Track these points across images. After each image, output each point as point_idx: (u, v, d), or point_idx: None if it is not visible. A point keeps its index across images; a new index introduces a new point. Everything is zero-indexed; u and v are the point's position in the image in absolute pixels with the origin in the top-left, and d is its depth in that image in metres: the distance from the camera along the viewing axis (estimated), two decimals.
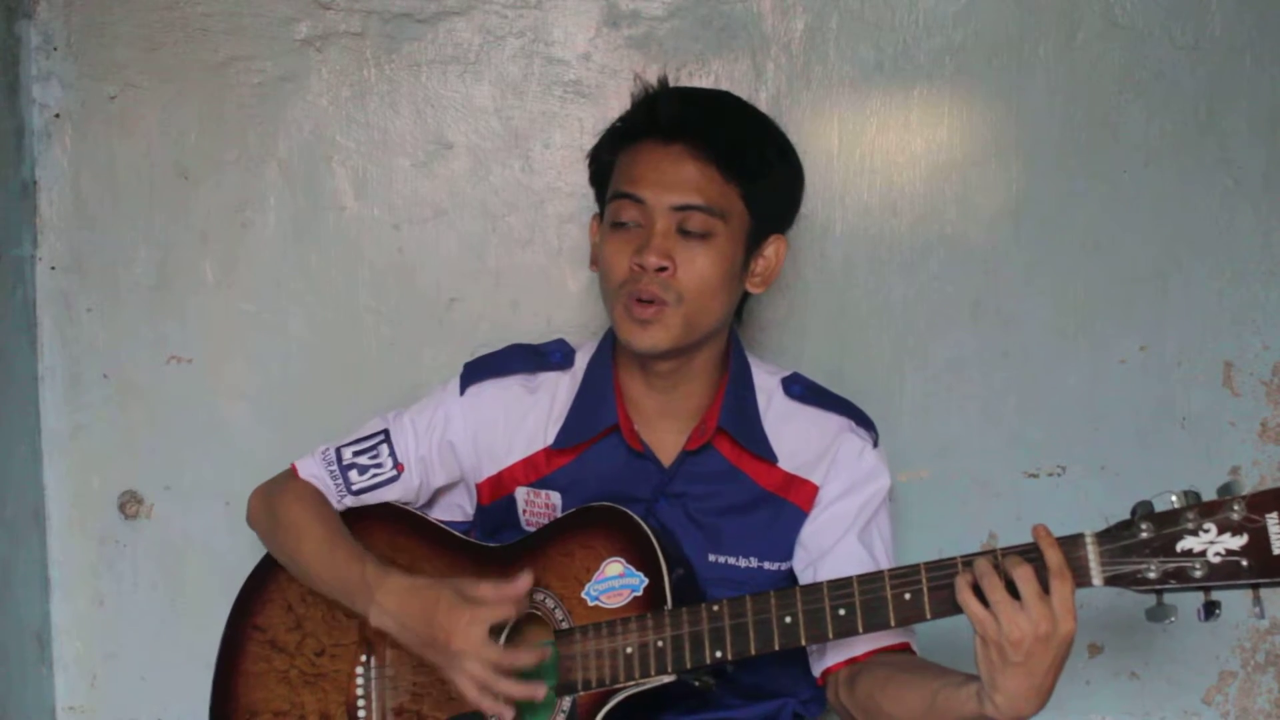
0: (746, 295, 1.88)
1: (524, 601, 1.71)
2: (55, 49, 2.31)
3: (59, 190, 2.34)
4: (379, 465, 1.92)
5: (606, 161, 1.87)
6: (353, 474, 1.92)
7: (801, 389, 1.92)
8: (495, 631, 1.68)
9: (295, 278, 2.36)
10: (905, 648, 1.79)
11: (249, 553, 2.00)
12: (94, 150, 2.33)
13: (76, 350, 2.36)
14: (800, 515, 1.86)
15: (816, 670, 1.84)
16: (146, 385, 2.37)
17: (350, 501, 1.93)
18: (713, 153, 1.77)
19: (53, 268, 2.35)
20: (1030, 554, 1.51)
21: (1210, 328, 2.36)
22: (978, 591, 1.50)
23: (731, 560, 1.85)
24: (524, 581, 1.69)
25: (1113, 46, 2.32)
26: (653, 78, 1.92)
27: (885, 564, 1.82)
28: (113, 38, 2.31)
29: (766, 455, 1.86)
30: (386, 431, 1.94)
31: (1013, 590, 1.48)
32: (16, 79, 2.29)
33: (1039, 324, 2.36)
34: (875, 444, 1.91)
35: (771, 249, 1.86)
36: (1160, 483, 1.52)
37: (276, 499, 1.93)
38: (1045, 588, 1.48)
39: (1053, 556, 1.48)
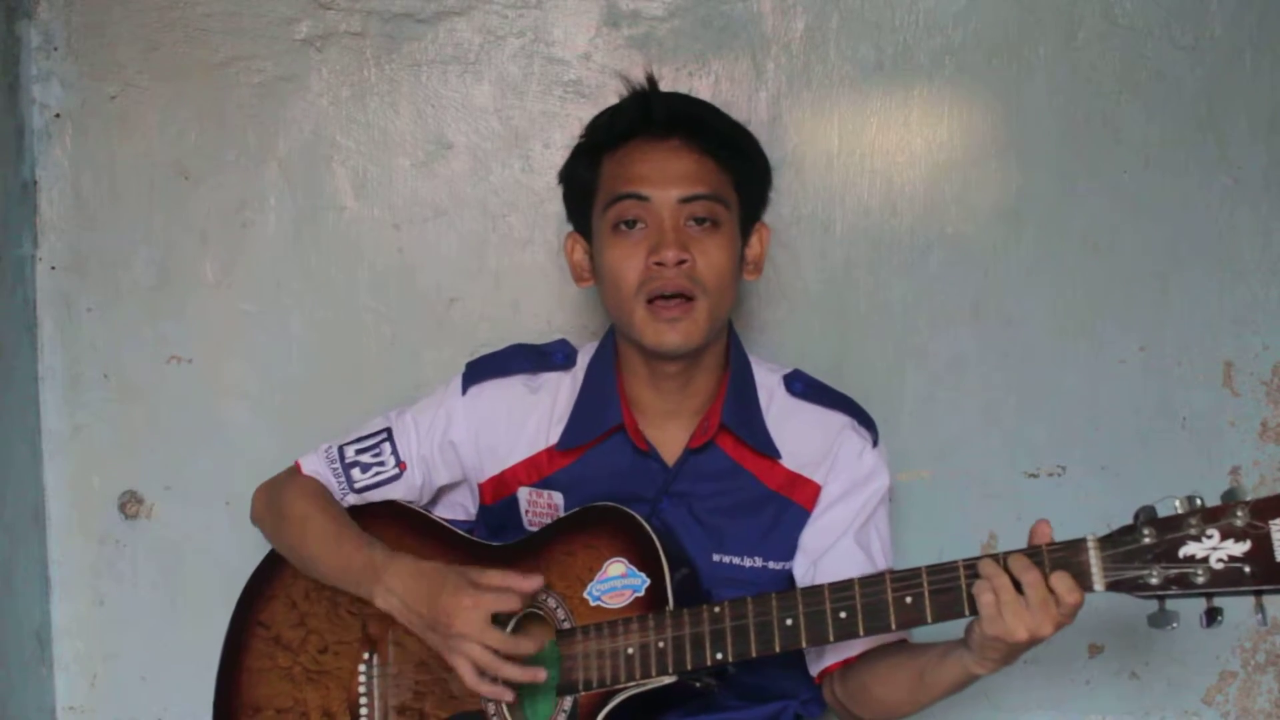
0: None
1: (528, 598, 1.71)
2: (55, 49, 2.31)
3: (59, 190, 2.34)
4: (381, 464, 1.93)
5: (585, 176, 1.86)
6: (355, 472, 1.92)
7: (803, 386, 1.92)
8: (499, 624, 1.68)
9: (295, 278, 2.36)
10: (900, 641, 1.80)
11: (249, 552, 2.00)
12: (94, 150, 2.33)
13: (76, 350, 2.36)
14: (803, 515, 1.86)
15: (814, 670, 1.85)
16: (146, 385, 2.37)
17: (353, 499, 1.93)
18: (709, 143, 1.79)
19: (53, 268, 2.35)
20: (1036, 557, 1.52)
21: (1210, 328, 2.36)
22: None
23: (736, 560, 1.84)
24: (535, 579, 1.69)
25: (1113, 46, 2.31)
26: (652, 78, 1.91)
27: (882, 564, 1.83)
28: (113, 38, 2.31)
29: (769, 452, 1.86)
30: (389, 430, 1.94)
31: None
32: (16, 79, 2.29)
33: (1039, 324, 2.36)
34: (875, 443, 1.90)
35: (756, 236, 1.89)
36: (1160, 483, 1.52)
37: (280, 494, 1.94)
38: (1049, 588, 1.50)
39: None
